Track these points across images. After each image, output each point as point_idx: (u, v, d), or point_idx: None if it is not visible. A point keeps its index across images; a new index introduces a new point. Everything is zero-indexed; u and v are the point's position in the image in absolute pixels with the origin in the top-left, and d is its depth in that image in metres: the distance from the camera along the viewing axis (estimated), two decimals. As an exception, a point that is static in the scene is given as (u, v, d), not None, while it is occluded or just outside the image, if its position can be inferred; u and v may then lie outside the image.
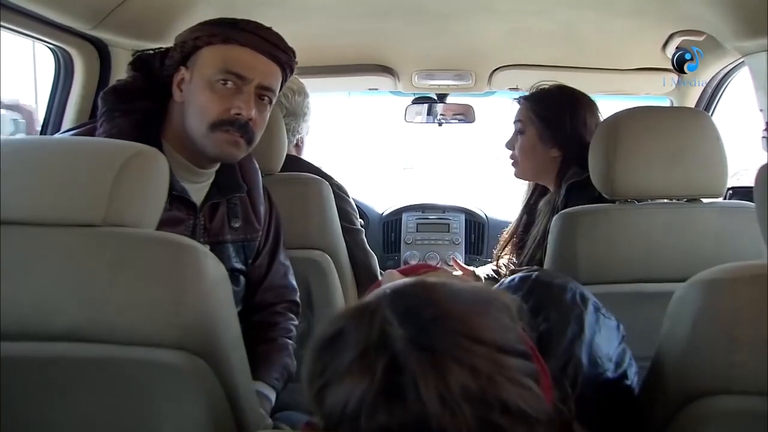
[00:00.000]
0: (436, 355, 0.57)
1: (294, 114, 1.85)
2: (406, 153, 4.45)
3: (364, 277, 1.87)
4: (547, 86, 1.74)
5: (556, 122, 1.68)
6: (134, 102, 1.20)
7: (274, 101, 1.24)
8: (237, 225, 1.29)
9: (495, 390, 0.57)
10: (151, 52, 1.27)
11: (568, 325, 0.86)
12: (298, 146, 1.95)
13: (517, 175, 1.79)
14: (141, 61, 1.26)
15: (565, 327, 0.86)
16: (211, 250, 1.20)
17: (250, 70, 1.17)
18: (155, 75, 1.23)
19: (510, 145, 1.77)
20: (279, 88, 1.24)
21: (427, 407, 0.55)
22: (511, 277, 0.95)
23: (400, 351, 0.57)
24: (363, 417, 0.56)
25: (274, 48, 1.19)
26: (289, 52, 1.23)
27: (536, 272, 0.94)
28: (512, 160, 1.77)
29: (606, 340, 0.88)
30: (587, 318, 0.88)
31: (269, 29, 1.20)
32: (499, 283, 0.97)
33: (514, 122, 1.75)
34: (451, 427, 0.55)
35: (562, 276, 0.96)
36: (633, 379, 0.90)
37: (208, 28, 1.19)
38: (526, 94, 1.75)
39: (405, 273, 0.84)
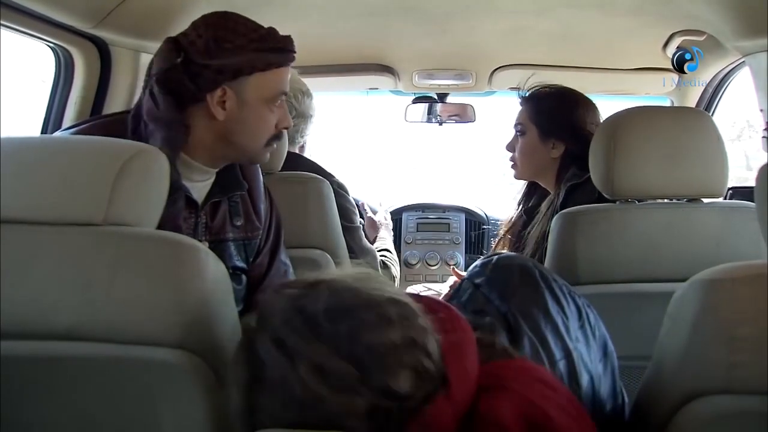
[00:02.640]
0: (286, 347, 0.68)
1: (303, 116, 1.85)
2: (405, 154, 4.44)
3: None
4: (546, 88, 1.76)
5: (557, 122, 1.70)
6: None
7: None
8: (239, 223, 1.30)
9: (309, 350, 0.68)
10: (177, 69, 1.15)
11: (533, 305, 0.91)
12: (302, 146, 1.95)
13: (517, 176, 1.83)
14: (172, 83, 1.15)
15: (529, 307, 0.91)
16: (213, 248, 1.20)
17: (288, 85, 1.24)
18: (182, 93, 1.16)
19: (510, 147, 1.79)
20: None
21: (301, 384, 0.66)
22: (474, 263, 1.00)
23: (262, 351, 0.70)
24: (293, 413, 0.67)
25: (294, 57, 1.23)
26: None
27: (496, 256, 0.99)
28: (512, 162, 1.80)
29: (573, 319, 0.92)
30: (549, 298, 0.92)
31: (291, 39, 1.21)
32: (471, 268, 1.02)
33: (515, 125, 1.78)
34: (333, 401, 0.66)
35: (522, 258, 1.00)
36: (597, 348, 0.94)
37: (258, 56, 1.15)
38: (526, 95, 1.77)
39: None
